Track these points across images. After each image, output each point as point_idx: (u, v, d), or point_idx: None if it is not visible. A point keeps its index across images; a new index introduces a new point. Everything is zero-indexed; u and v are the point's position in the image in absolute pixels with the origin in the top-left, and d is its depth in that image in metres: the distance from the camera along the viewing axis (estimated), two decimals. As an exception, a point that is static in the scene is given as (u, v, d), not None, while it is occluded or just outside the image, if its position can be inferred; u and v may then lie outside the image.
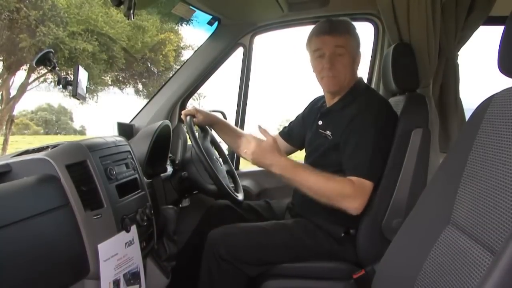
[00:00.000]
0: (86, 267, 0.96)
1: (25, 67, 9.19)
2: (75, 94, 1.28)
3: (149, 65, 10.33)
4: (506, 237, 0.63)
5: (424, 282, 0.83)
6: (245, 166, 2.17)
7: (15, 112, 10.47)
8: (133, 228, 1.11)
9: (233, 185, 1.68)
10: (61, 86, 1.31)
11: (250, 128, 2.15)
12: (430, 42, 1.64)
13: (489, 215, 0.72)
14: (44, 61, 1.26)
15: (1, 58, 9.03)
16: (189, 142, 1.75)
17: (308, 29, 1.50)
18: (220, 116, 1.78)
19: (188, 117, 1.53)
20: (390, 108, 1.45)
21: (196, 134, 1.48)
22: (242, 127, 2.06)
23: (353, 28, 1.46)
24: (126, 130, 1.79)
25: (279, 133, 1.74)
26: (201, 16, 1.90)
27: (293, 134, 1.68)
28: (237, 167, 2.08)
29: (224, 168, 1.68)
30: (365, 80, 2.03)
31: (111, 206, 1.04)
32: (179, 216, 1.52)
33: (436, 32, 1.65)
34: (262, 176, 2.06)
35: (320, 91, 1.56)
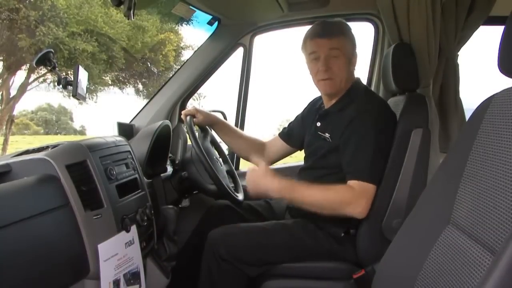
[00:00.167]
0: (86, 267, 0.96)
1: (25, 67, 9.20)
2: (75, 94, 1.28)
3: (149, 65, 10.34)
4: (506, 237, 0.63)
5: (424, 282, 0.83)
6: (245, 166, 2.17)
7: (15, 112, 10.48)
8: (133, 228, 1.11)
9: (233, 185, 1.68)
10: (61, 86, 1.31)
11: (250, 128, 2.15)
12: (430, 42, 1.64)
13: (489, 215, 0.72)
14: (44, 61, 1.26)
15: (1, 58, 9.03)
16: (189, 142, 1.75)
17: (308, 29, 1.50)
18: (220, 116, 1.78)
19: (188, 117, 1.53)
20: (388, 109, 1.45)
21: (196, 134, 1.48)
22: (242, 127, 2.06)
23: (348, 29, 1.45)
24: (126, 130, 1.79)
25: (278, 134, 1.74)
26: (201, 16, 1.91)
27: (293, 135, 1.68)
28: (237, 167, 2.08)
29: (224, 168, 1.68)
30: (365, 80, 2.04)
31: (111, 206, 1.04)
32: (179, 216, 1.52)
33: (436, 32, 1.65)
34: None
35: (319, 91, 1.56)
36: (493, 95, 0.83)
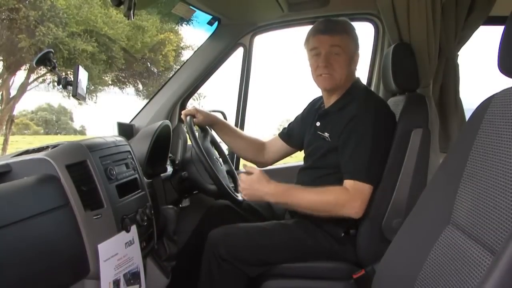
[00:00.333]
0: (86, 267, 0.96)
1: (25, 67, 9.19)
2: (75, 94, 1.28)
3: (149, 65, 10.33)
4: (506, 237, 0.63)
5: (424, 282, 0.83)
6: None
7: (15, 112, 10.47)
8: (133, 228, 1.11)
9: (233, 185, 1.68)
10: (61, 86, 1.31)
11: (250, 128, 2.15)
12: (430, 42, 1.64)
13: (489, 215, 0.72)
14: (44, 61, 1.26)
15: (0, 58, 9.03)
16: (189, 142, 1.75)
17: (308, 29, 1.50)
18: (220, 116, 1.78)
19: (188, 117, 1.53)
20: (388, 109, 1.45)
21: (196, 134, 1.48)
22: (242, 127, 2.06)
23: (352, 28, 1.46)
24: (126, 130, 1.79)
25: (278, 134, 1.74)
26: (201, 16, 1.91)
27: (293, 135, 1.68)
28: (237, 167, 2.08)
29: (224, 168, 1.68)
30: (365, 80, 2.04)
31: (111, 206, 1.04)
32: (179, 216, 1.52)
33: (436, 32, 1.65)
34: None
35: (319, 91, 1.56)
36: (493, 95, 0.83)
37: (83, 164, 1.02)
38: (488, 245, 0.70)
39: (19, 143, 11.75)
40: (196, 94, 2.24)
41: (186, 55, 10.54)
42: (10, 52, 8.42)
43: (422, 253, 0.85)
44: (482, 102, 0.85)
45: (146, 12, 8.52)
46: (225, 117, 1.91)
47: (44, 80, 9.70)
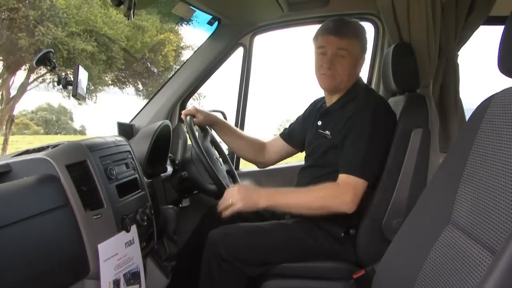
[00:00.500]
0: (86, 267, 0.96)
1: (25, 67, 9.19)
2: (75, 94, 1.28)
3: (149, 65, 10.33)
4: (506, 237, 0.63)
5: (424, 282, 0.83)
6: (245, 166, 2.17)
7: (15, 112, 10.47)
8: (133, 228, 1.11)
9: (233, 185, 1.68)
10: (61, 86, 1.31)
11: (250, 128, 2.15)
12: (430, 42, 1.64)
13: (489, 215, 0.72)
14: (44, 61, 1.26)
15: (0, 58, 9.03)
16: (189, 142, 1.75)
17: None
18: (220, 116, 1.78)
19: (188, 117, 1.53)
20: (388, 108, 1.45)
21: (196, 134, 1.47)
22: (242, 127, 2.07)
23: (361, 31, 1.46)
24: (126, 130, 1.79)
25: (280, 134, 1.74)
26: (201, 16, 1.91)
27: (294, 135, 1.68)
28: (237, 167, 2.08)
29: (224, 168, 1.68)
30: (365, 80, 2.04)
31: (111, 206, 1.04)
32: (179, 216, 1.52)
33: (436, 32, 1.65)
34: (262, 176, 2.06)
35: (320, 92, 1.56)
36: (493, 95, 0.83)
37: (83, 164, 1.02)
38: (488, 245, 0.70)
39: (19, 143, 11.75)
40: (196, 94, 2.24)
41: (186, 55, 10.55)
42: (10, 51, 8.42)
43: (422, 253, 0.85)
44: (482, 102, 0.85)
45: (146, 12, 8.52)
46: (225, 117, 1.91)
47: (44, 80, 9.71)
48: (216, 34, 1.93)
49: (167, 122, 1.55)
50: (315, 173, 1.47)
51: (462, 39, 1.81)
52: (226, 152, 1.84)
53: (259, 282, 1.40)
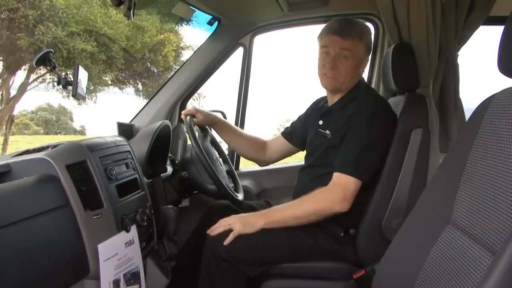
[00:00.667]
0: (86, 267, 0.96)
1: (25, 67, 9.19)
2: (75, 94, 1.28)
3: (149, 65, 10.33)
4: (506, 237, 0.63)
5: (424, 282, 0.83)
6: (245, 166, 2.17)
7: (15, 112, 10.47)
8: (133, 228, 1.11)
9: (233, 185, 1.68)
10: (60, 86, 1.31)
11: (250, 128, 2.15)
12: (430, 42, 1.64)
13: (489, 215, 0.72)
14: (44, 61, 1.26)
15: (0, 58, 9.02)
16: (189, 142, 1.75)
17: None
18: (220, 116, 1.78)
19: (188, 117, 1.53)
20: (388, 108, 1.45)
21: (196, 134, 1.48)
22: (242, 127, 2.07)
23: (366, 32, 1.46)
24: (126, 130, 1.79)
25: (281, 133, 1.74)
26: (201, 16, 1.91)
27: (295, 134, 1.68)
28: (237, 167, 2.08)
29: (224, 168, 1.68)
30: (365, 80, 2.04)
31: (111, 206, 1.04)
32: (179, 216, 1.52)
33: (436, 32, 1.65)
34: (262, 176, 2.06)
35: (320, 91, 1.57)
36: (493, 95, 0.83)
37: (83, 164, 1.02)
38: (488, 245, 0.70)
39: (19, 143, 11.75)
40: (196, 94, 2.24)
41: (186, 55, 10.55)
42: (10, 51, 8.42)
43: (422, 253, 0.85)
44: (482, 102, 0.85)
45: (146, 12, 8.51)
46: (225, 117, 1.91)
47: (44, 80, 9.71)
48: (216, 34, 1.93)
49: (167, 122, 1.55)
50: (315, 172, 1.47)
51: (462, 39, 1.81)
52: (226, 152, 1.84)
53: (259, 282, 1.39)
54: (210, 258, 1.35)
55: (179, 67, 2.05)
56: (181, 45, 10.66)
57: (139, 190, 1.23)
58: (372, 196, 1.39)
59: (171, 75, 2.03)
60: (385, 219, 1.37)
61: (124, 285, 1.05)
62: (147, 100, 2.03)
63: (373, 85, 2.05)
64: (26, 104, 17.17)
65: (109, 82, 10.32)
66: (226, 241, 1.31)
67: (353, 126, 1.37)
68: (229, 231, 1.34)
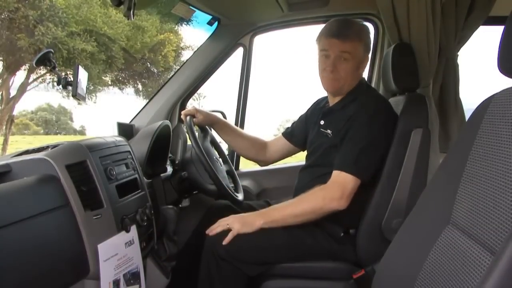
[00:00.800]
0: (86, 267, 0.96)
1: (25, 67, 9.19)
2: (75, 94, 1.28)
3: (149, 65, 10.33)
4: (506, 237, 0.63)
5: (424, 282, 0.83)
6: (245, 166, 2.17)
7: (15, 112, 10.47)
8: (133, 228, 1.11)
9: (233, 185, 1.68)
10: (60, 86, 1.31)
11: (250, 128, 2.15)
12: (430, 42, 1.64)
13: (489, 215, 0.72)
14: (44, 61, 1.26)
15: (0, 58, 9.02)
16: (189, 142, 1.75)
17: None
18: (220, 116, 1.78)
19: (188, 117, 1.53)
20: (388, 108, 1.45)
21: (196, 134, 1.48)
22: (242, 127, 2.07)
23: (365, 32, 1.46)
24: (126, 130, 1.79)
25: (282, 133, 1.74)
26: (201, 16, 1.91)
27: (296, 134, 1.68)
28: (237, 167, 2.08)
29: (224, 168, 1.68)
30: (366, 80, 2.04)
31: (111, 206, 1.04)
32: (179, 216, 1.52)
33: (436, 32, 1.65)
34: (262, 176, 2.06)
35: (320, 92, 1.57)
36: (493, 95, 0.83)
37: (83, 164, 1.02)
38: (488, 245, 0.70)
39: (19, 143, 11.75)
40: (196, 94, 2.24)
41: (186, 55, 10.55)
42: (10, 52, 8.42)
43: (422, 253, 0.85)
44: (482, 102, 0.85)
45: (146, 12, 8.52)
46: (225, 117, 1.91)
47: (44, 80, 9.71)
48: (216, 34, 1.93)
49: (167, 122, 1.55)
50: (315, 172, 1.47)
51: (462, 39, 1.81)
52: (226, 152, 1.84)
53: (259, 282, 1.39)
54: (209, 258, 1.35)
55: (179, 67, 2.05)
56: (181, 45, 10.67)
57: (139, 190, 1.23)
58: (372, 196, 1.39)
59: (171, 75, 2.03)
60: (385, 219, 1.38)
61: (124, 285, 1.05)
62: (147, 100, 2.03)
63: (373, 85, 2.05)
64: (26, 104, 17.19)
65: (109, 82, 10.32)
66: (225, 241, 1.31)
67: (354, 126, 1.37)
68: (228, 230, 1.34)
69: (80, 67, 1.31)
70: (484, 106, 0.84)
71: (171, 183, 1.58)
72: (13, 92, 9.63)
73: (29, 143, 11.65)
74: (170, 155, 1.64)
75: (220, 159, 1.70)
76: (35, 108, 18.20)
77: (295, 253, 1.39)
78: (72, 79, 1.30)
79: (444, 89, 1.86)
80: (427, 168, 1.41)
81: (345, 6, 1.97)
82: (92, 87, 9.22)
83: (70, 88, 1.30)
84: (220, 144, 1.77)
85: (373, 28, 2.04)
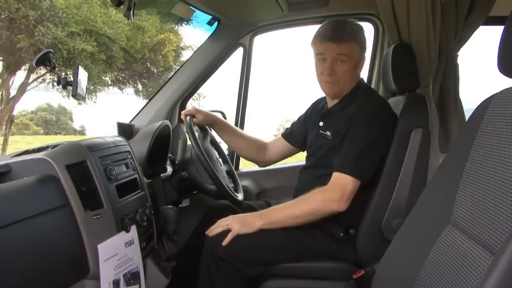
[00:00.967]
0: (86, 267, 0.96)
1: (25, 67, 9.19)
2: (75, 94, 1.28)
3: (149, 65, 10.33)
4: (506, 237, 0.63)
5: (424, 282, 0.83)
6: (245, 166, 2.17)
7: (15, 112, 10.47)
8: (133, 228, 1.11)
9: (233, 185, 1.68)
10: (60, 86, 1.31)
11: (250, 128, 2.15)
12: (430, 42, 1.64)
13: (489, 215, 0.72)
14: (44, 61, 1.26)
15: (0, 58, 9.02)
16: (189, 142, 1.75)
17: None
18: (220, 116, 1.78)
19: (188, 117, 1.53)
20: (387, 108, 1.45)
21: (196, 134, 1.48)
22: (242, 127, 2.07)
23: (360, 31, 1.45)
24: (126, 130, 1.79)
25: (281, 134, 1.74)
26: (201, 16, 1.91)
27: (295, 135, 1.68)
28: (237, 167, 2.08)
29: (224, 168, 1.68)
30: (365, 80, 2.04)
31: (111, 206, 1.04)
32: (179, 216, 1.52)
33: (436, 32, 1.65)
34: (262, 176, 2.06)
35: (320, 92, 1.56)
36: (493, 95, 0.83)
37: (83, 164, 1.02)
38: (488, 245, 0.70)
39: (19, 143, 11.74)
40: (196, 94, 2.24)
41: (186, 55, 10.55)
42: (10, 52, 8.42)
43: (422, 253, 0.85)
44: (482, 102, 0.85)
45: (146, 12, 8.52)
46: (224, 117, 1.91)
47: (44, 80, 9.71)
48: (216, 34, 1.93)
49: (167, 122, 1.55)
50: (315, 173, 1.47)
51: (462, 39, 1.81)
52: (226, 152, 1.84)
53: (259, 282, 1.39)
54: (209, 258, 1.35)
55: (179, 67, 2.05)
56: (181, 45, 10.67)
57: (139, 190, 1.23)
58: (372, 196, 1.39)
59: (171, 75, 2.03)
60: (385, 219, 1.37)
61: (124, 285, 1.05)
62: (147, 100, 2.03)
63: (373, 85, 2.05)
64: (26, 104, 17.18)
65: (109, 82, 10.32)
66: (225, 241, 1.31)
67: (353, 127, 1.37)
68: (228, 231, 1.34)
69: (80, 67, 1.31)
70: (484, 106, 0.84)
71: (171, 183, 1.58)
72: (13, 92, 9.64)
73: (29, 143, 11.64)
74: (170, 155, 1.64)
75: (220, 159, 1.70)
76: (35, 108, 18.21)
77: (295, 253, 1.39)
78: (72, 79, 1.30)
79: (444, 89, 1.86)
80: (427, 168, 1.41)
81: (345, 6, 1.97)
82: (92, 87, 9.22)
83: (70, 88, 1.30)
84: (220, 144, 1.77)
85: (373, 28, 2.04)
